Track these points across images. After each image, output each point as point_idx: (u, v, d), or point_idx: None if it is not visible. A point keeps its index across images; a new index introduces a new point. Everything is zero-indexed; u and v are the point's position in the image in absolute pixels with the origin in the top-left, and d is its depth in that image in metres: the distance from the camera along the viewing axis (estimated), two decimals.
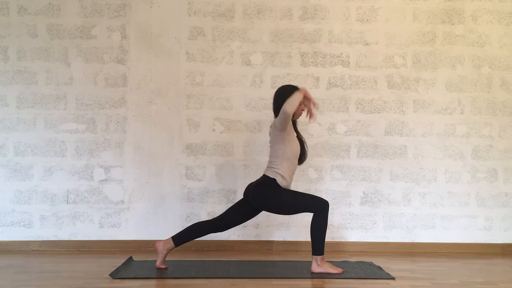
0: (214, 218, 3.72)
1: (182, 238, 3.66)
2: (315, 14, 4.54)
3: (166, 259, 3.76)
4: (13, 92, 4.40)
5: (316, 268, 3.54)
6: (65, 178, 4.41)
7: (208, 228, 3.69)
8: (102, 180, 4.44)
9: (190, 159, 4.48)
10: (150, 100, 4.47)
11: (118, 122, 4.45)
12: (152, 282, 3.29)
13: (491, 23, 4.59)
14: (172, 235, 3.70)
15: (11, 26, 4.41)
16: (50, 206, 4.40)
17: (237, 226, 4.45)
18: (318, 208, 3.53)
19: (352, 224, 4.51)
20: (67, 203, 4.41)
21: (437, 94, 4.57)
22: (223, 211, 3.78)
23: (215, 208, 4.45)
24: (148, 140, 4.47)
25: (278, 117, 3.48)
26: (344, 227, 4.47)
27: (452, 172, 4.56)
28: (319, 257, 3.54)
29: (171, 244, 3.64)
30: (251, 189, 3.64)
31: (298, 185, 4.45)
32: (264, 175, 3.63)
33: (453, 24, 4.59)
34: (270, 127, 3.65)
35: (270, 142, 3.66)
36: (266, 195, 3.57)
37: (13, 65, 4.40)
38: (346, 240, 4.47)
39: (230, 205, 4.45)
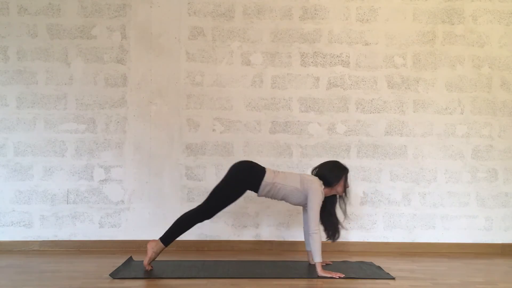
0: (197, 206, 3.58)
1: (169, 236, 3.54)
2: (315, 14, 4.54)
3: (167, 259, 3.76)
4: (13, 92, 4.40)
5: None
6: (65, 178, 4.41)
7: (194, 217, 3.54)
8: (102, 180, 4.44)
9: (190, 159, 4.48)
10: (150, 100, 4.47)
11: (118, 122, 4.45)
12: (152, 282, 3.29)
13: (491, 23, 4.60)
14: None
15: (11, 26, 4.41)
16: (50, 206, 4.40)
17: (237, 226, 4.46)
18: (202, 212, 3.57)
19: (352, 224, 4.51)
20: (67, 203, 4.41)
21: (437, 94, 4.57)
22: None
23: None
24: (148, 140, 4.47)
25: (316, 200, 3.56)
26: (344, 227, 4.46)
27: (452, 172, 4.56)
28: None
29: (160, 245, 3.53)
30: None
31: None
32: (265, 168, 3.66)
33: (453, 24, 4.59)
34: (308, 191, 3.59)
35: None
36: (246, 174, 3.61)
37: (13, 65, 4.41)
38: (347, 240, 4.47)
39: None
